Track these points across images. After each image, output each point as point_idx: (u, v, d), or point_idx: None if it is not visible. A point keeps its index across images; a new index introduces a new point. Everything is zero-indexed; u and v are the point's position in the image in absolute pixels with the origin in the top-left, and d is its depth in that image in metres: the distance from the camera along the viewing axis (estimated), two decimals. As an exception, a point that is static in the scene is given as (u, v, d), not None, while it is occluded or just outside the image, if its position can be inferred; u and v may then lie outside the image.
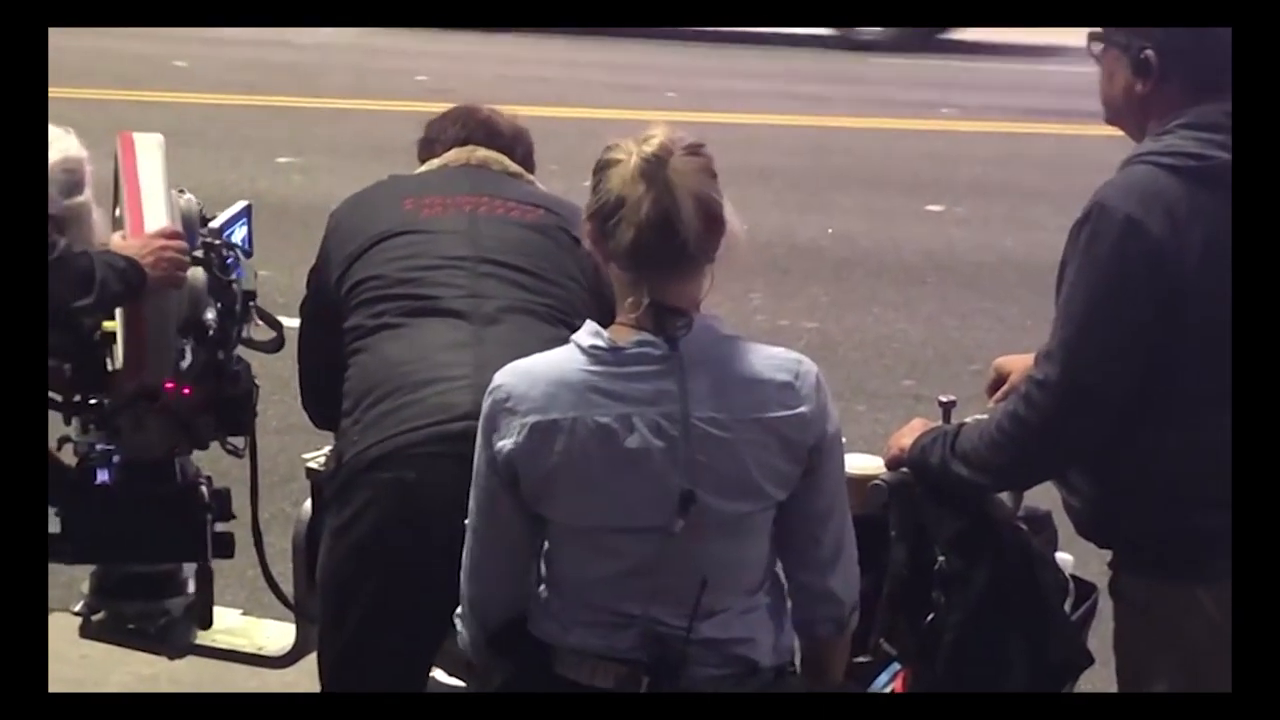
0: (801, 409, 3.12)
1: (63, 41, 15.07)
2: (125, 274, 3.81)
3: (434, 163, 4.09)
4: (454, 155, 4.06)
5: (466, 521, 3.25)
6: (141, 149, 4.12)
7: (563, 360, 3.13)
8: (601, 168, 3.16)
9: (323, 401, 3.89)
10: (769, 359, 3.15)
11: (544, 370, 3.13)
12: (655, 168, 3.08)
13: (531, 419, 3.09)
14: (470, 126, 4.11)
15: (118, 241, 3.96)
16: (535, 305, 3.69)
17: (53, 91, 11.40)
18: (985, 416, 3.48)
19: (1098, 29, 3.55)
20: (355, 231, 3.90)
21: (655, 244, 3.08)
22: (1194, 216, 3.30)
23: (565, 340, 3.24)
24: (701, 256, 3.11)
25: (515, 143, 4.12)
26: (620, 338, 3.10)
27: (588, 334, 3.14)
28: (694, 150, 3.14)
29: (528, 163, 4.10)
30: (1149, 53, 3.43)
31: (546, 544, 3.19)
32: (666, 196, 3.07)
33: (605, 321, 3.18)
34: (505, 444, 3.10)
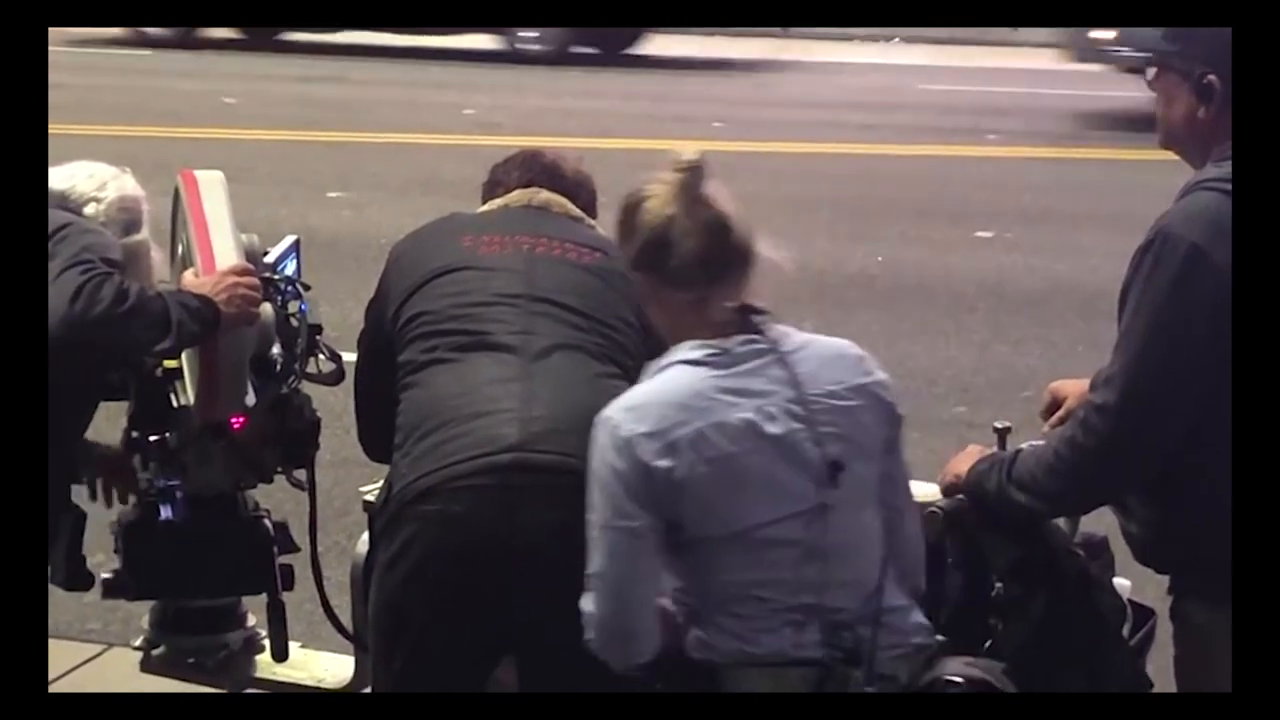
0: (883, 376, 3.35)
1: (114, 81, 15.25)
2: (200, 313, 3.84)
3: (496, 202, 4.12)
4: (516, 196, 4.09)
5: (591, 572, 3.25)
6: (205, 186, 4.14)
7: (678, 378, 3.23)
8: (632, 208, 3.32)
9: (378, 434, 3.91)
10: (836, 341, 3.36)
11: (665, 392, 3.22)
12: (694, 181, 3.25)
13: (680, 433, 3.17)
14: (534, 170, 4.15)
15: (190, 279, 3.97)
16: (586, 344, 3.71)
17: (104, 129, 11.46)
18: (1041, 442, 3.49)
19: (1153, 55, 3.54)
20: (413, 266, 3.94)
21: (718, 247, 3.24)
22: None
23: (615, 377, 3.45)
24: (752, 265, 3.28)
25: (579, 188, 4.15)
26: (722, 344, 3.23)
27: (692, 349, 3.24)
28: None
29: (590, 208, 4.12)
30: (1212, 78, 3.42)
31: (700, 570, 3.22)
32: (712, 204, 3.26)
33: None
34: (659, 465, 3.15)
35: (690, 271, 3.25)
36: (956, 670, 3.17)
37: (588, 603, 3.25)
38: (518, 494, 3.41)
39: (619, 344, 3.70)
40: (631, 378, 3.54)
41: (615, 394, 3.37)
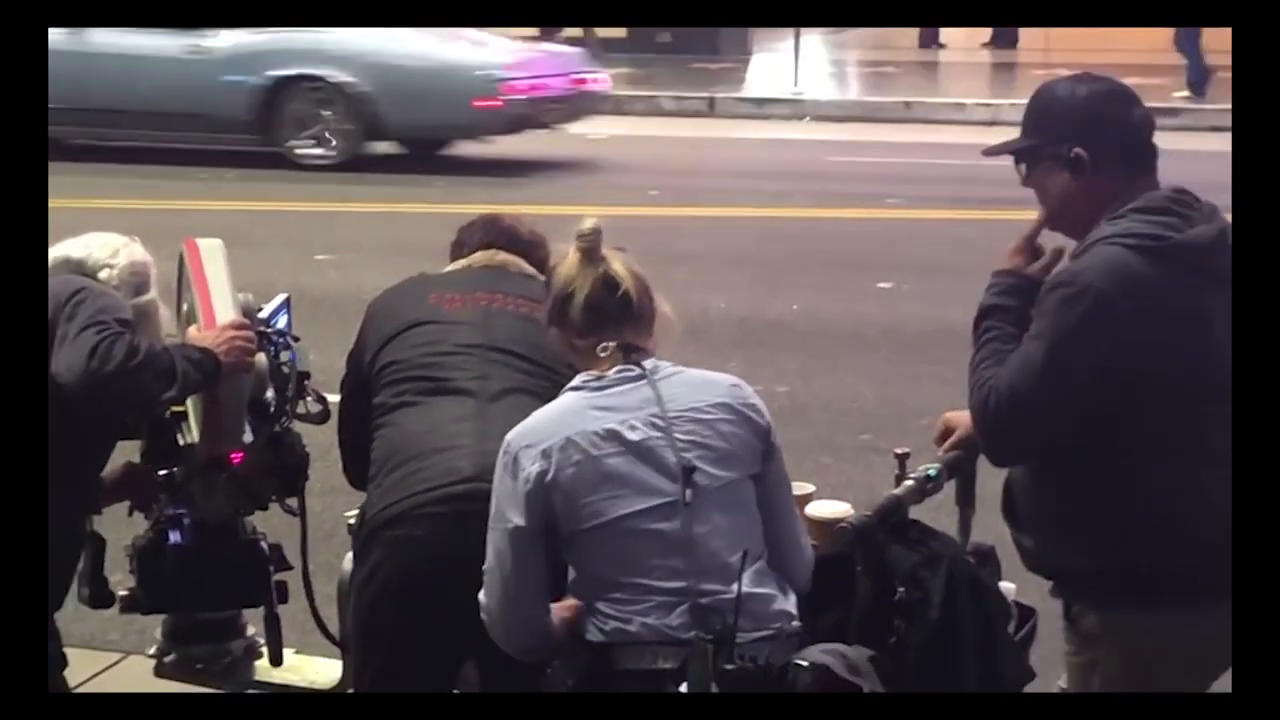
0: (754, 401, 3.42)
1: (133, 165, 15.10)
2: (202, 364, 3.84)
3: (461, 262, 4.17)
4: (479, 257, 4.15)
5: (484, 567, 3.33)
6: (206, 253, 4.16)
7: (559, 403, 3.37)
8: (550, 273, 3.51)
9: (360, 466, 3.95)
10: (714, 374, 3.47)
11: (546, 413, 3.36)
12: (592, 246, 3.40)
13: (551, 442, 3.28)
14: (494, 233, 4.20)
15: (193, 334, 4.00)
16: (533, 386, 3.76)
17: (117, 203, 11.28)
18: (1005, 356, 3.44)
19: (1019, 153, 3.51)
20: (387, 320, 3.99)
21: (604, 299, 3.39)
22: (1158, 289, 3.28)
23: None
24: (644, 317, 3.43)
25: (533, 248, 4.19)
26: (601, 372, 3.37)
27: (577, 379, 3.39)
28: (621, 249, 3.48)
29: (543, 266, 4.14)
30: (1078, 150, 3.41)
31: (583, 561, 3.28)
32: (604, 264, 3.40)
33: None
34: (534, 469, 3.26)
35: (584, 319, 3.40)
36: (806, 655, 3.18)
37: (482, 594, 3.34)
38: (473, 519, 3.44)
39: (561, 386, 3.73)
40: None
41: None
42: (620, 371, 3.37)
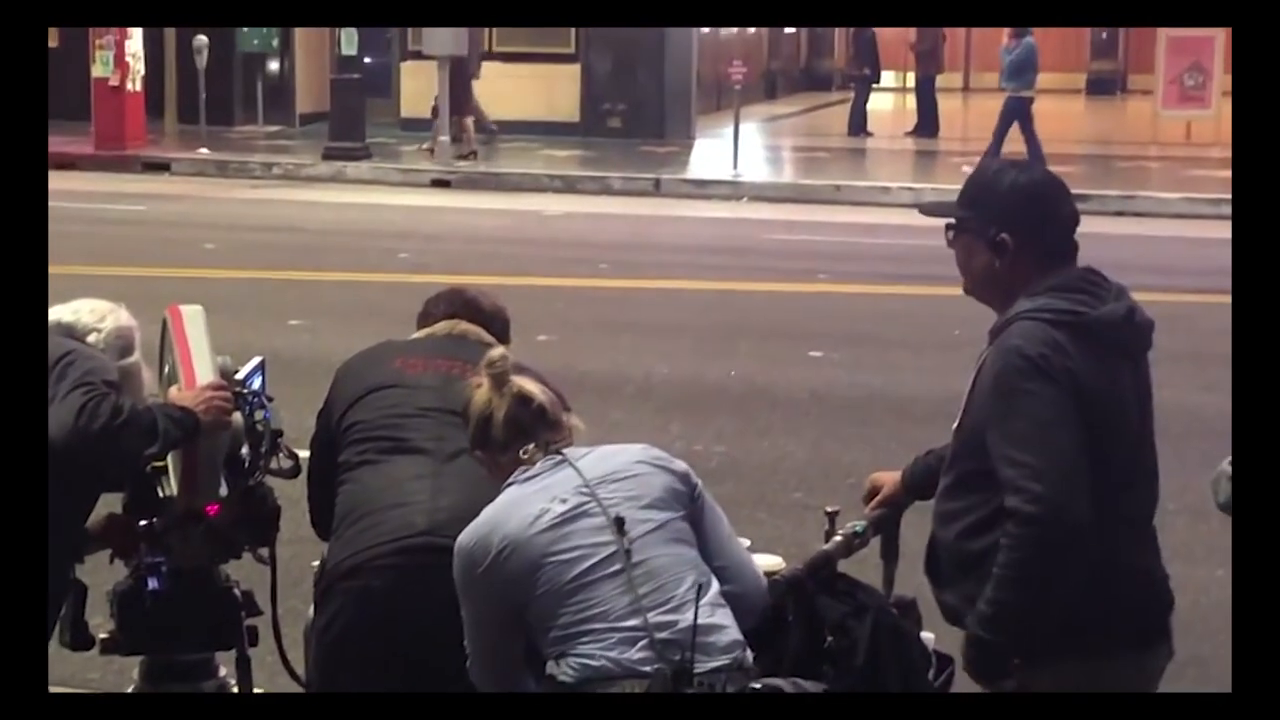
0: (663, 454, 3.51)
1: (118, 231, 15.04)
2: (182, 422, 3.84)
3: (425, 331, 4.20)
4: (442, 326, 4.17)
5: (465, 644, 3.40)
6: (188, 318, 4.15)
7: (499, 499, 3.43)
8: (465, 404, 3.58)
9: (327, 517, 3.94)
10: (624, 445, 3.54)
11: (490, 510, 3.41)
12: (500, 372, 3.52)
13: (498, 532, 3.34)
14: (457, 305, 4.23)
15: (174, 394, 3.99)
16: None
17: (106, 270, 11.17)
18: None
19: (951, 220, 3.53)
20: (354, 383, 4.01)
21: (521, 414, 3.49)
22: (1076, 358, 3.31)
23: None
24: (559, 423, 3.53)
25: (493, 319, 4.22)
26: (529, 468, 3.46)
27: (510, 478, 3.46)
28: (523, 369, 3.62)
29: (504, 335, 4.19)
30: (1004, 235, 3.43)
31: (549, 621, 3.30)
32: (514, 386, 3.51)
33: None
34: (486, 561, 3.32)
35: (505, 433, 3.48)
36: (763, 681, 3.21)
37: (469, 664, 3.42)
38: (425, 570, 3.48)
39: None
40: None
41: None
42: (544, 461, 3.46)
